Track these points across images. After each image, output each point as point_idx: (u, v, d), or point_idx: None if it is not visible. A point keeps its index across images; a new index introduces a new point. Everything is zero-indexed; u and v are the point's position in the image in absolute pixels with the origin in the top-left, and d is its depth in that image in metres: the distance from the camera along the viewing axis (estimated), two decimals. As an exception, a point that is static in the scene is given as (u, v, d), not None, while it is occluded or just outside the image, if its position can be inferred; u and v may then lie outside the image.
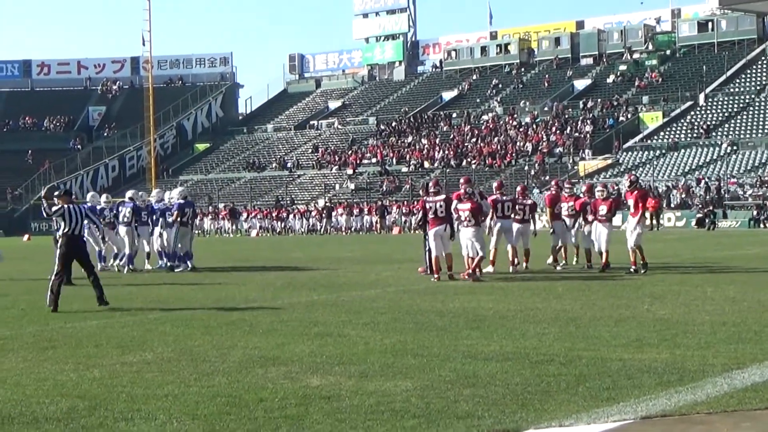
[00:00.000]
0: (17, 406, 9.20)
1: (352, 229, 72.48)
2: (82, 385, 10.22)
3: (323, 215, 74.54)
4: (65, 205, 18.87)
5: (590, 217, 25.07)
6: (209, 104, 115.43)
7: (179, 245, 29.14)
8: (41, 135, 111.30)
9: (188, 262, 29.14)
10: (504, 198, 25.55)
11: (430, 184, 24.40)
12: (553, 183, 29.03)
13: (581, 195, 27.34)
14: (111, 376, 10.65)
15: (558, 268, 25.68)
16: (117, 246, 29.81)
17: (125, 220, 29.14)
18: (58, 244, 18.96)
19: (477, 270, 23.34)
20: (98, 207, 29.79)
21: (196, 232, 49.11)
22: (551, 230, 26.24)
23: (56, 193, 20.07)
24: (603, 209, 24.41)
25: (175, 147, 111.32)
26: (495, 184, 26.44)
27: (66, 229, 18.61)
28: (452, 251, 23.25)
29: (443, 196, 23.45)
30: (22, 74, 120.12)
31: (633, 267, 23.45)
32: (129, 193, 30.92)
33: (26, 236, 74.50)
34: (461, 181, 24.81)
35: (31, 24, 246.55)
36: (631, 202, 24.39)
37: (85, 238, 23.86)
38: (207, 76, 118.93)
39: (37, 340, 13.84)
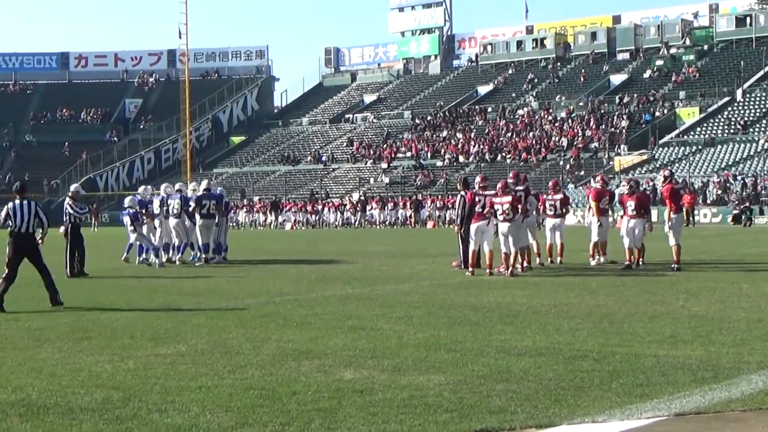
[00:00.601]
0: (52, 397, 9.27)
1: (386, 223, 72.49)
2: (116, 376, 10.27)
3: (357, 209, 74.57)
4: (11, 203, 17.89)
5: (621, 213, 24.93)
6: (245, 97, 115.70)
7: (209, 237, 29.21)
8: (78, 127, 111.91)
9: (192, 253, 29.31)
10: (518, 189, 24.81)
11: (478, 178, 24.29)
12: (599, 177, 28.85)
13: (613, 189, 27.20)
14: (145, 368, 10.71)
15: (593, 263, 25.49)
16: (150, 238, 29.86)
17: (174, 212, 29.17)
18: (6, 242, 17.93)
19: (522, 263, 23.42)
20: (145, 200, 29.82)
21: (231, 224, 49.24)
22: (598, 224, 25.92)
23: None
24: (631, 205, 24.09)
25: (210, 140, 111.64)
26: (510, 175, 25.79)
27: (13, 227, 17.53)
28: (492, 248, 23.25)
29: (494, 192, 23.45)
30: (60, 67, 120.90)
31: (675, 264, 23.20)
32: (177, 185, 31.09)
33: (62, 228, 74.96)
34: (510, 175, 24.74)
35: (69, 17, 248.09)
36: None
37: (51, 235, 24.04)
38: (243, 69, 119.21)
39: (73, 330, 13.92)
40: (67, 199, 25.91)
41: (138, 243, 29.40)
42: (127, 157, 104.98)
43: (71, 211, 25.59)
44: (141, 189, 31.54)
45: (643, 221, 23.99)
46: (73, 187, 27.02)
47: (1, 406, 8.91)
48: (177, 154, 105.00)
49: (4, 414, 8.63)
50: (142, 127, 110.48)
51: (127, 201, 29.65)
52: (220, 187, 32.12)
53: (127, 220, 29.65)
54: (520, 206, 22.99)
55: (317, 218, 76.58)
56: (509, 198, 22.68)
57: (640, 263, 24.05)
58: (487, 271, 22.69)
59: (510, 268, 22.52)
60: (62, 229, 26.99)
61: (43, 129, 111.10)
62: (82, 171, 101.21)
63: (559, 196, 26.19)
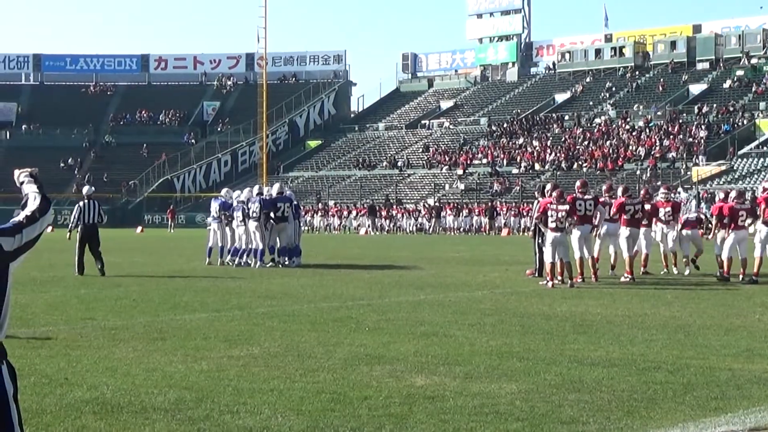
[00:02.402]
0: (126, 396, 9.37)
1: (461, 229, 72.38)
2: (189, 376, 10.36)
3: (432, 215, 74.52)
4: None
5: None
6: (322, 101, 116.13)
7: (281, 240, 29.31)
8: (157, 129, 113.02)
9: (248, 257, 29.47)
10: (587, 198, 24.10)
11: (549, 186, 24.15)
12: (663, 188, 28.61)
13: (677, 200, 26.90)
14: (218, 369, 10.78)
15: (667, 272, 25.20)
16: (226, 241, 29.99)
17: (255, 215, 29.12)
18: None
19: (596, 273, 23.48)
20: (229, 202, 30.03)
21: (305, 228, 49.38)
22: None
23: None
24: (743, 215, 23.48)
25: (287, 143, 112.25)
26: (578, 184, 24.72)
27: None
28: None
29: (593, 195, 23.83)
30: (140, 68, 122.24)
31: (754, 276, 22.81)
32: (256, 188, 31.24)
33: (139, 228, 75.84)
34: (578, 183, 24.51)
35: (150, 19, 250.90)
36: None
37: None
38: (320, 73, 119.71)
39: (148, 330, 14.06)
40: (92, 201, 26.18)
41: (221, 245, 29.79)
42: (204, 159, 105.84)
43: (103, 213, 26.39)
44: (223, 191, 31.74)
45: (744, 232, 23.50)
46: (89, 189, 27.15)
47: (76, 404, 9.03)
48: (253, 157, 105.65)
49: (80, 411, 8.74)
50: (219, 129, 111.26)
51: (235, 195, 30.21)
52: (289, 190, 32.14)
53: (213, 224, 30.09)
54: (575, 217, 22.75)
55: (391, 223, 76.63)
56: (566, 207, 22.46)
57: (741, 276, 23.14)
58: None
59: (558, 279, 22.25)
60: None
61: (122, 130, 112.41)
62: (159, 172, 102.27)
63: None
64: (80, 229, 25.86)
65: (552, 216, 22.13)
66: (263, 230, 28.98)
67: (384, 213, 77.70)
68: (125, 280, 23.94)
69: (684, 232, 25.98)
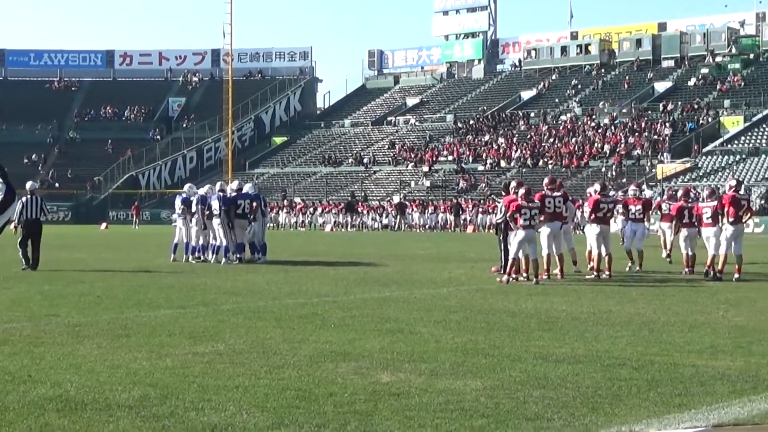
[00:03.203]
0: (90, 393, 9.31)
1: (426, 226, 72.36)
2: (154, 373, 10.31)
3: (397, 212, 74.41)
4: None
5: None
6: (288, 98, 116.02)
7: (243, 237, 29.13)
8: (122, 125, 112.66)
9: (230, 254, 29.19)
10: (556, 195, 24.11)
11: (514, 183, 24.04)
12: (633, 185, 28.75)
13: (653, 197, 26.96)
14: (183, 366, 10.74)
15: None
16: (191, 238, 29.83)
17: (216, 212, 28.78)
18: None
19: (562, 270, 23.61)
20: (191, 198, 29.84)
21: (270, 225, 49.17)
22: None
23: None
24: (707, 212, 23.53)
25: (252, 140, 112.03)
26: (546, 181, 24.93)
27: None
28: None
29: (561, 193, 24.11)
30: (105, 64, 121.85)
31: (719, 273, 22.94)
32: (218, 185, 31.05)
33: (104, 225, 75.52)
34: (546, 180, 24.62)
35: (115, 15, 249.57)
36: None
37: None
38: (286, 69, 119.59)
39: (112, 327, 13.99)
40: (35, 196, 26.49)
41: (186, 241, 29.64)
42: (170, 155, 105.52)
43: (46, 209, 26.85)
44: (186, 187, 31.63)
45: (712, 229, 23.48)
46: (32, 185, 27.29)
47: (39, 401, 8.97)
48: (219, 153, 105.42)
49: (43, 409, 8.68)
50: (185, 125, 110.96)
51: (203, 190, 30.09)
52: (252, 186, 32.06)
53: (178, 220, 29.95)
54: (544, 215, 22.83)
55: (358, 220, 76.48)
56: (537, 204, 22.60)
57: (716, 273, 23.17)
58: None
59: (527, 275, 22.39)
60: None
61: (86, 126, 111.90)
62: (124, 168, 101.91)
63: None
64: (23, 224, 26.05)
65: (525, 213, 22.11)
66: (226, 227, 28.82)
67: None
68: (89, 276, 23.82)
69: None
